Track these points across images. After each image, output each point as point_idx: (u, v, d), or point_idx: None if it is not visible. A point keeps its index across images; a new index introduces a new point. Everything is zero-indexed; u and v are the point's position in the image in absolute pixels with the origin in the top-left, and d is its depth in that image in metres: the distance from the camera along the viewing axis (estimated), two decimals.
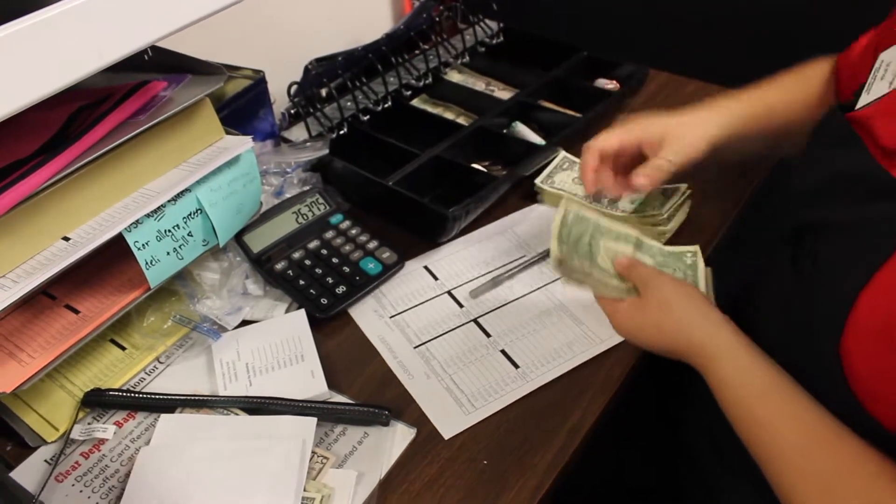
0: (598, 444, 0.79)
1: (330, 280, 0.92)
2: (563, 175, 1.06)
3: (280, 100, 1.11)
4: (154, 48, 0.82)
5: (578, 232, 0.78)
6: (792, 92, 0.88)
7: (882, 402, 0.56)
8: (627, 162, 0.88)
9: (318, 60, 1.21)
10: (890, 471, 0.57)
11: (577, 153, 1.11)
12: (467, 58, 1.34)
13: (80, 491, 0.73)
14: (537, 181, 1.05)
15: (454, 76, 1.33)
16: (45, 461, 0.76)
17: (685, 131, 0.85)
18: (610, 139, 0.87)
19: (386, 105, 1.20)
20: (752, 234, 0.97)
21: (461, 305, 0.91)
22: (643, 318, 0.73)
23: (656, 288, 0.73)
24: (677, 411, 0.92)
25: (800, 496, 0.59)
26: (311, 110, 1.14)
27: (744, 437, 0.65)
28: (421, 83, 1.27)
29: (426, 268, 0.97)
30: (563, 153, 1.10)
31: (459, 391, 0.80)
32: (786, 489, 0.61)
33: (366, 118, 1.18)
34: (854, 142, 0.63)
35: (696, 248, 0.84)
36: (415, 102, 1.27)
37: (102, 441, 0.77)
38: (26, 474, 0.74)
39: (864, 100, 0.67)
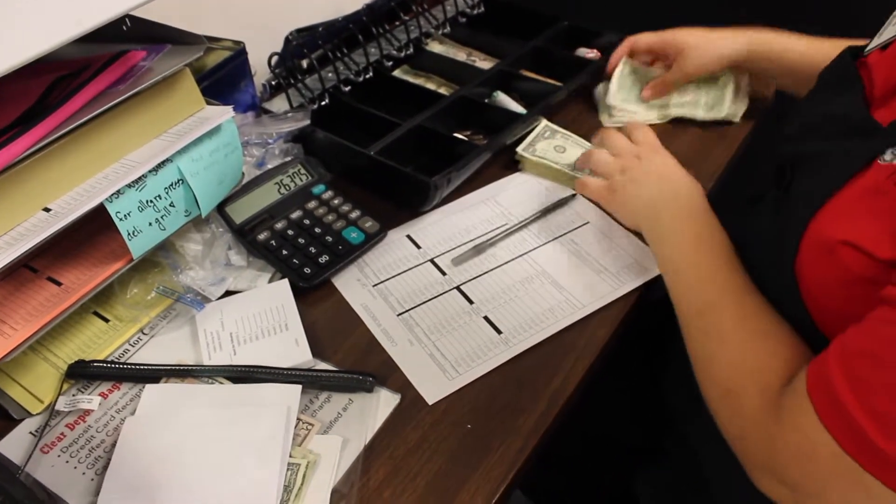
0: (585, 403, 0.80)
1: (313, 250, 0.92)
2: (544, 143, 1.06)
3: (261, 71, 1.11)
4: (132, 18, 0.81)
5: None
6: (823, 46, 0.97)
7: (827, 317, 0.61)
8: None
9: (299, 31, 1.20)
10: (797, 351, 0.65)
11: (559, 122, 1.12)
12: (448, 28, 1.33)
13: (67, 462, 0.73)
14: (519, 149, 1.06)
15: (435, 47, 1.32)
16: (31, 433, 0.76)
17: (703, 46, 1.05)
18: (640, 39, 1.13)
19: (367, 76, 1.20)
20: (747, 173, 1.02)
21: (444, 273, 0.91)
22: (638, 163, 0.93)
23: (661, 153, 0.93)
24: (659, 368, 0.94)
25: (704, 343, 0.72)
26: (293, 81, 1.13)
27: (671, 287, 0.79)
28: (402, 54, 1.26)
29: (409, 237, 0.97)
30: (544, 122, 1.10)
31: (443, 357, 0.81)
32: (693, 343, 0.73)
33: (347, 89, 1.17)
34: (853, 84, 0.65)
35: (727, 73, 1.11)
36: (396, 73, 1.27)
37: (88, 412, 0.77)
38: (11, 447, 0.74)
39: (874, 42, 0.69)
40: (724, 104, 1.12)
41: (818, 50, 0.94)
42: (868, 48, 0.68)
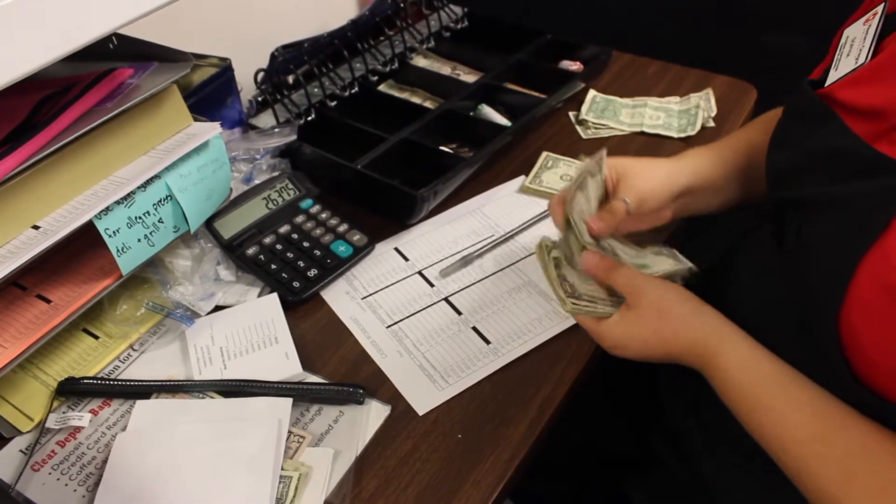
0: (576, 411, 0.81)
1: (301, 264, 0.92)
2: (549, 174, 1.07)
3: (247, 87, 1.11)
4: (119, 36, 0.82)
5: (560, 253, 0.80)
6: (758, 133, 0.85)
7: (886, 371, 0.56)
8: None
9: (285, 47, 1.21)
10: None
11: (543, 133, 1.13)
12: (433, 43, 1.35)
13: (58, 479, 0.73)
14: (525, 182, 1.06)
15: (420, 61, 1.33)
16: (21, 451, 0.76)
17: (643, 170, 0.80)
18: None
19: (353, 90, 1.21)
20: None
21: (432, 285, 0.92)
22: (638, 327, 0.71)
23: (645, 292, 0.71)
24: (653, 373, 0.94)
25: (823, 483, 0.59)
26: (279, 97, 1.14)
27: (754, 429, 0.64)
28: (387, 68, 1.27)
29: (396, 249, 0.97)
30: (545, 153, 1.11)
31: (432, 368, 0.82)
32: (807, 477, 0.60)
33: (333, 104, 1.18)
34: (830, 118, 0.63)
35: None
36: (382, 87, 1.28)
37: (78, 429, 0.77)
38: (2, 465, 0.74)
39: (832, 77, 0.67)
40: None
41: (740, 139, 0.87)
42: (828, 82, 0.67)
